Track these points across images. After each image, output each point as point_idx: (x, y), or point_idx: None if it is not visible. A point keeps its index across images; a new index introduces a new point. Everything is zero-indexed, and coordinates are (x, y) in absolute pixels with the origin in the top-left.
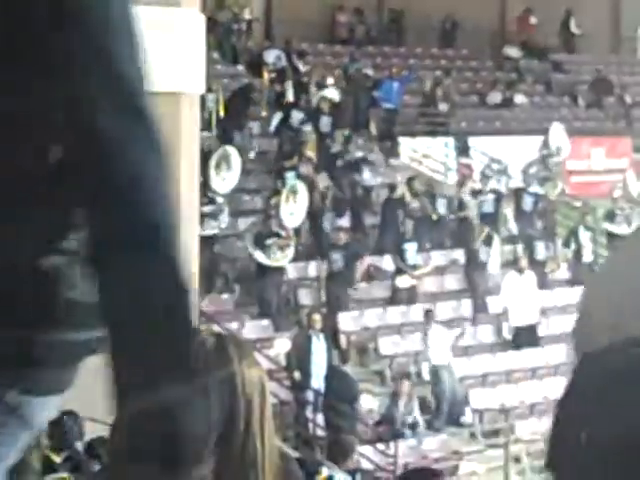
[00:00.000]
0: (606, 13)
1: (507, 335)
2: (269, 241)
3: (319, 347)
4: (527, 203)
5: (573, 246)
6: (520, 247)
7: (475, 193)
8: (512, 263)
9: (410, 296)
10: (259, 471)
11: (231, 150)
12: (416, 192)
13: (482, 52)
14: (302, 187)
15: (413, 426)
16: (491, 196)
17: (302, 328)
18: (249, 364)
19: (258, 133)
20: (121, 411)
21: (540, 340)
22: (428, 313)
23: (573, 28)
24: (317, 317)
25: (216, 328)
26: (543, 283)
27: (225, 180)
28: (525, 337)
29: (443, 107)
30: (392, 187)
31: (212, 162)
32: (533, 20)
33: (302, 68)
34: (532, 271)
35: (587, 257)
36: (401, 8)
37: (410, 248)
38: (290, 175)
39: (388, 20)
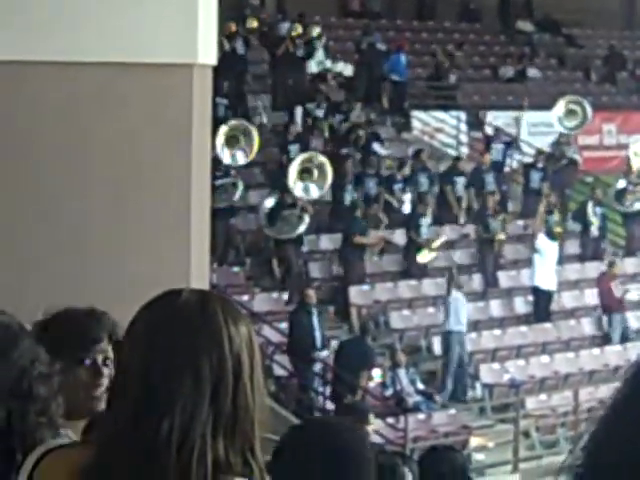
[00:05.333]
0: None
1: (526, 308)
2: (282, 214)
3: (316, 321)
4: (536, 179)
5: (583, 220)
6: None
7: (487, 166)
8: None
9: (422, 270)
10: (254, 420)
11: (248, 124)
12: (424, 165)
13: (495, 26)
14: (319, 162)
15: (425, 394)
16: (504, 170)
17: (303, 301)
18: (234, 319)
19: (269, 105)
20: None
21: (551, 315)
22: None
23: None
24: (311, 292)
25: None
26: None
27: (240, 154)
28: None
29: (455, 80)
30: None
31: (224, 135)
32: None
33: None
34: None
35: (595, 232)
36: None
37: (424, 223)
38: (307, 150)
39: None
